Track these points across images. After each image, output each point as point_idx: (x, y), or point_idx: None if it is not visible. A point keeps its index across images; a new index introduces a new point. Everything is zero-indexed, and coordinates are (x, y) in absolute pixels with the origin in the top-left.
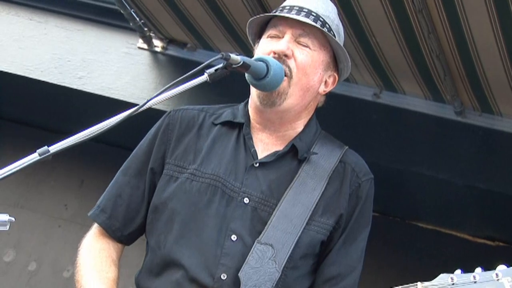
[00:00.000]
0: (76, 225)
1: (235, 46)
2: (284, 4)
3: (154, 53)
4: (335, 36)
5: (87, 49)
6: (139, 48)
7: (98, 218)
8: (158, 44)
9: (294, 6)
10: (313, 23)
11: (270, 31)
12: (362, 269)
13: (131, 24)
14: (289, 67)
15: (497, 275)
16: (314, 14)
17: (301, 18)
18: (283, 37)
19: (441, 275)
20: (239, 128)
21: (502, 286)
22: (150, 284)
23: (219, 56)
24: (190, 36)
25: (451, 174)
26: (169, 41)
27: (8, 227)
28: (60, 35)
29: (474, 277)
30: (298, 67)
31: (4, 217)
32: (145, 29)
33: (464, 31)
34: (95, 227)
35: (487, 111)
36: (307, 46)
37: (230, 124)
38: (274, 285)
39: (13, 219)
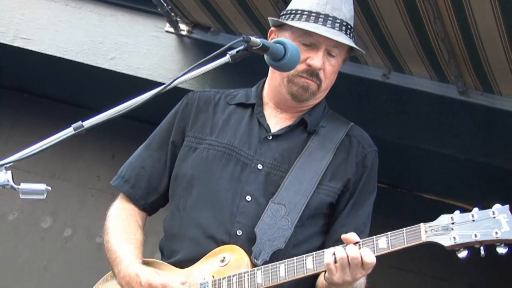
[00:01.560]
0: (108, 195)
1: (255, 30)
2: (311, 7)
3: (180, 36)
4: (353, 28)
5: (118, 33)
6: (166, 31)
7: (122, 187)
8: (184, 28)
9: (328, 16)
10: (350, 43)
11: (305, 38)
12: (370, 235)
13: (159, 9)
14: (319, 78)
15: (493, 213)
16: (345, 23)
17: (340, 37)
18: (317, 48)
19: (442, 216)
20: (252, 108)
21: (499, 222)
22: (170, 244)
23: (240, 39)
24: (213, 21)
25: (454, 149)
26: (194, 25)
27: (45, 195)
28: (94, 19)
29: (473, 215)
30: (326, 76)
31: (42, 186)
32: (172, 14)
33: (467, 17)
34: (121, 197)
35: (488, 91)
36: (335, 56)
37: (243, 105)
38: (286, 240)
39: (50, 188)
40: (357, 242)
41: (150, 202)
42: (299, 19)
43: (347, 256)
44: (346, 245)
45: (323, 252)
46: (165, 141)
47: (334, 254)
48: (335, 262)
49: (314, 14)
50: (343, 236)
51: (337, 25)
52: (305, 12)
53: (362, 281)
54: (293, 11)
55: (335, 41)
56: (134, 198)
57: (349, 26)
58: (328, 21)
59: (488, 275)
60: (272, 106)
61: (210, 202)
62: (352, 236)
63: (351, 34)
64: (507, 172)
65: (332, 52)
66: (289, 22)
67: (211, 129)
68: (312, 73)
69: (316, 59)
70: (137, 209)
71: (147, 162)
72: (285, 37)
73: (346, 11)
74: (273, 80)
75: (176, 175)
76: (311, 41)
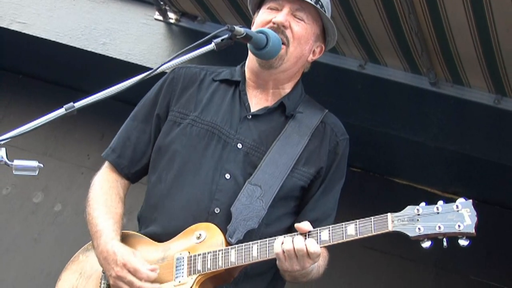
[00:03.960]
0: (96, 173)
1: (239, 19)
2: None
3: (168, 24)
4: (326, 12)
5: (110, 19)
6: (156, 19)
7: (109, 156)
8: (172, 16)
9: None
10: (310, 1)
11: (270, 3)
12: (343, 218)
13: None
14: (286, 36)
15: (457, 206)
16: None
17: None
18: (281, 10)
19: (408, 207)
20: (236, 86)
21: (462, 216)
22: (148, 214)
23: (225, 28)
24: (200, 10)
25: (425, 137)
26: (182, 14)
27: (37, 172)
28: (87, 6)
29: (437, 208)
30: (294, 37)
31: (34, 163)
32: (161, 2)
33: (440, 12)
34: (105, 166)
35: (458, 83)
36: (302, 20)
37: (227, 82)
38: (260, 220)
39: (41, 165)
40: (308, 232)
41: (134, 172)
42: None
43: (293, 248)
44: (296, 235)
45: (295, 235)
46: (150, 113)
47: (282, 243)
48: (283, 252)
49: None
50: (296, 225)
51: None
52: None
53: (320, 263)
54: None
55: (298, 2)
56: (119, 167)
57: None
58: None
59: (454, 255)
60: (253, 85)
61: (191, 177)
62: (304, 225)
63: (319, 5)
64: (473, 160)
65: (297, 15)
66: None
67: (195, 105)
68: (278, 29)
69: (279, 16)
70: (120, 178)
71: (132, 133)
72: (258, 15)
73: None
74: (249, 57)
75: (159, 148)
76: (276, 5)
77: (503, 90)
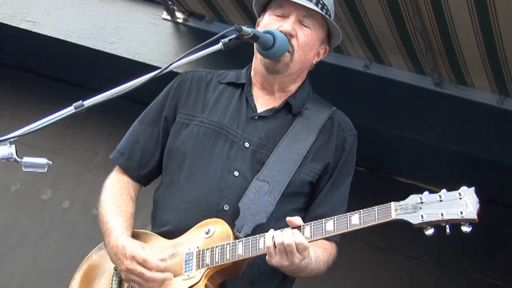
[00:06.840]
0: (104, 170)
1: (246, 19)
2: None
3: (176, 23)
4: (331, 16)
5: (119, 19)
6: (163, 19)
7: (118, 160)
8: (180, 16)
9: None
10: (317, 9)
11: (277, 10)
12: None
13: None
14: (292, 45)
15: (460, 194)
16: None
17: (306, 3)
18: (288, 17)
19: (411, 196)
20: (242, 88)
21: (465, 203)
22: (161, 215)
23: (233, 28)
24: (207, 10)
25: (429, 137)
26: (190, 13)
27: (46, 169)
28: (96, 5)
29: (440, 196)
30: (299, 45)
31: (43, 160)
32: (169, 2)
33: (444, 13)
34: (116, 169)
35: (461, 83)
36: (308, 27)
37: (233, 85)
38: (268, 215)
39: (50, 162)
40: (299, 226)
41: (144, 174)
42: None
43: (283, 242)
44: (285, 229)
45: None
46: (158, 116)
47: (273, 238)
48: (275, 246)
49: None
50: (288, 219)
51: None
52: None
53: (321, 258)
54: None
55: (305, 9)
56: (128, 170)
57: (321, 1)
58: None
59: (456, 254)
60: (259, 87)
61: (200, 176)
62: (295, 220)
63: (325, 10)
64: (477, 159)
65: (303, 22)
66: None
67: (203, 107)
68: None
69: (286, 24)
70: (131, 180)
71: (140, 136)
72: (264, 19)
73: None
74: (255, 60)
75: (169, 150)
76: (283, 12)
77: (507, 90)
